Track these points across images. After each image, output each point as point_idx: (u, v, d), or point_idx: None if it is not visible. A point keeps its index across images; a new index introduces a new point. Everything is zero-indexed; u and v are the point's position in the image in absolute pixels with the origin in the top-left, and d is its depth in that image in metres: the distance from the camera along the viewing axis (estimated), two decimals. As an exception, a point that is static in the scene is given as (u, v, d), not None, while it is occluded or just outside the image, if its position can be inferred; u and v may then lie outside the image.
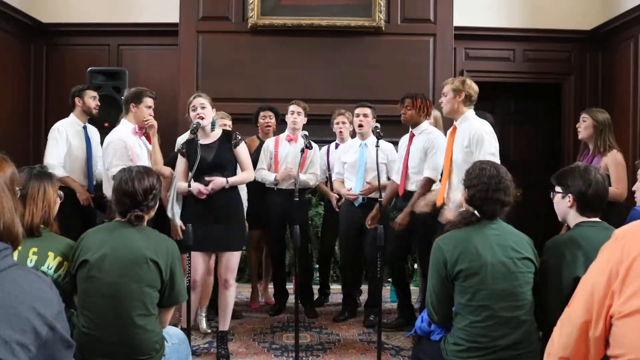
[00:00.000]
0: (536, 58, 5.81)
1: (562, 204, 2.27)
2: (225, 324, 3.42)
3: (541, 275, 2.18)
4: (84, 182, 4.01)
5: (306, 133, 3.64)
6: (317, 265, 4.87)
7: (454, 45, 5.42)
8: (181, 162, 3.39)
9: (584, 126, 3.63)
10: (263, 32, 5.32)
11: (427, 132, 3.84)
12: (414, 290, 4.58)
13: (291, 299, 4.27)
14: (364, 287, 4.68)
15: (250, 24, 5.25)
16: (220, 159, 3.31)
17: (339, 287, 4.63)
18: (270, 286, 4.74)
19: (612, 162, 3.47)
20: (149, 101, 3.63)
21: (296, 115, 4.24)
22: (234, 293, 3.43)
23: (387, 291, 4.78)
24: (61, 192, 2.34)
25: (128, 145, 3.49)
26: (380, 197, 3.42)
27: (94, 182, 4.08)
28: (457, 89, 3.31)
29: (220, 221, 3.28)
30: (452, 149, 3.35)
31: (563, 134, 5.88)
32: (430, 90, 5.31)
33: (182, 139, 4.02)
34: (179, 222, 3.37)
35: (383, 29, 5.29)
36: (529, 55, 5.82)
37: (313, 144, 4.19)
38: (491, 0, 5.80)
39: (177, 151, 3.83)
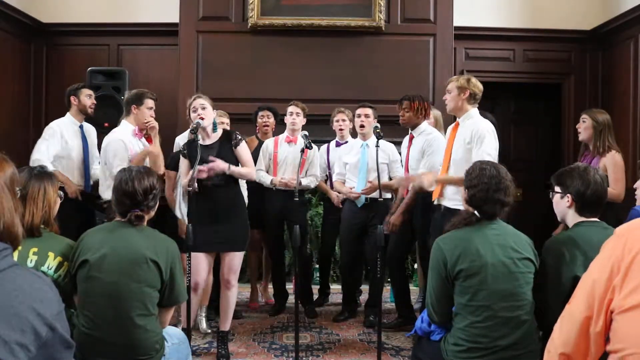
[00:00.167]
0: (536, 58, 5.81)
1: (561, 204, 2.28)
2: (226, 324, 3.42)
3: (540, 275, 2.18)
4: (80, 181, 4.00)
5: (306, 133, 3.64)
6: (317, 265, 4.87)
7: (454, 45, 5.42)
8: (183, 162, 3.39)
9: (584, 127, 3.63)
10: (263, 32, 5.32)
11: (426, 133, 3.85)
12: (414, 290, 4.59)
13: (291, 299, 4.28)
14: (364, 287, 4.68)
15: (250, 24, 5.25)
16: (221, 159, 3.30)
17: (339, 287, 4.63)
18: (270, 286, 4.75)
19: (611, 162, 3.48)
20: (150, 102, 3.63)
21: (295, 116, 4.24)
22: (235, 293, 3.43)
23: (387, 291, 4.78)
24: (61, 192, 2.34)
25: (127, 146, 3.48)
26: (381, 197, 3.41)
27: (91, 182, 4.08)
28: (462, 86, 3.30)
29: (224, 221, 3.27)
30: (452, 145, 3.34)
31: (563, 134, 5.88)
32: (430, 90, 5.32)
33: (180, 139, 4.03)
34: (186, 220, 3.38)
35: (383, 29, 5.29)
36: (529, 55, 5.82)
37: (312, 144, 4.19)
38: (491, 0, 5.80)
39: (177, 151, 3.83)
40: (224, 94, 4.90)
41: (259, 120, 4.51)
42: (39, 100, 5.73)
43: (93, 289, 2.16)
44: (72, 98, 4.05)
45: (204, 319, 3.88)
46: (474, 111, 3.34)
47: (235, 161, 3.37)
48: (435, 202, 3.40)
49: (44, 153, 3.84)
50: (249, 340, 3.73)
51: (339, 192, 4.28)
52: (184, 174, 3.38)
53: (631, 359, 1.20)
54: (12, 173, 1.24)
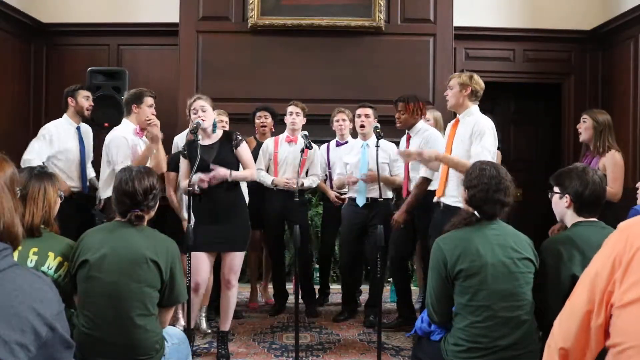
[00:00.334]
0: (536, 58, 5.81)
1: (560, 204, 2.29)
2: (226, 324, 3.42)
3: (539, 275, 2.19)
4: (77, 183, 3.99)
5: (306, 133, 3.65)
6: (317, 265, 4.87)
7: (454, 45, 5.42)
8: (183, 163, 3.39)
9: (584, 127, 3.64)
10: (263, 32, 5.32)
11: (422, 131, 3.87)
12: (414, 290, 4.59)
13: (291, 299, 4.27)
14: (364, 287, 4.68)
15: (250, 24, 5.25)
16: (221, 160, 3.31)
17: (339, 287, 4.63)
18: (270, 286, 4.75)
19: (610, 162, 3.48)
20: (149, 100, 3.64)
21: (295, 116, 4.24)
22: (236, 293, 3.43)
23: (387, 291, 4.78)
24: (61, 192, 2.34)
25: (129, 143, 3.49)
26: (381, 197, 3.42)
27: (88, 183, 4.08)
28: (463, 83, 3.31)
29: (224, 221, 3.27)
30: (452, 141, 3.35)
31: (563, 134, 5.88)
32: (430, 90, 5.32)
33: (179, 139, 4.03)
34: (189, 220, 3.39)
35: (383, 29, 5.28)
36: (529, 55, 5.82)
37: (314, 145, 4.19)
38: (491, 0, 5.80)
39: (177, 152, 3.84)
40: (224, 94, 4.90)
41: (257, 120, 4.51)
42: (39, 100, 5.73)
43: (93, 289, 2.16)
44: (69, 99, 4.04)
45: (204, 319, 3.88)
46: (474, 108, 3.34)
47: (236, 162, 3.38)
48: (435, 200, 3.41)
49: (35, 153, 3.81)
50: (249, 340, 3.73)
51: (340, 187, 4.27)
52: (184, 175, 3.38)
53: (631, 352, 1.21)
54: (12, 173, 1.24)
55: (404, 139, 4.00)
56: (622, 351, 1.22)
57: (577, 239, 2.15)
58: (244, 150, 3.39)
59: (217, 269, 3.55)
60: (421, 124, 3.91)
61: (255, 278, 4.70)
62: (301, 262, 4.16)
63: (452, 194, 3.25)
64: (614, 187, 3.41)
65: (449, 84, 3.41)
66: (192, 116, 3.34)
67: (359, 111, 4.15)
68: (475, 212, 2.26)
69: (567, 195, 2.25)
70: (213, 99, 3.46)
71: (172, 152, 3.99)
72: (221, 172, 3.22)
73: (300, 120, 4.27)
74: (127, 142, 3.50)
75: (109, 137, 3.56)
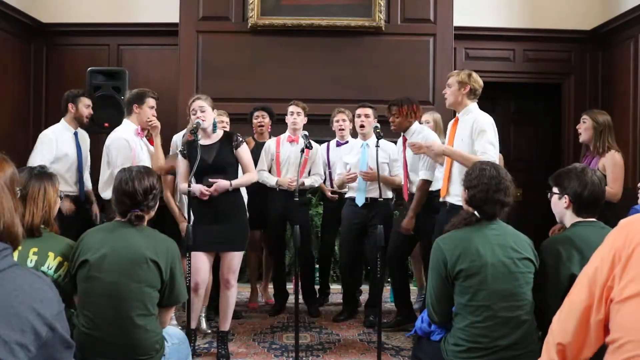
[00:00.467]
0: (536, 58, 5.81)
1: (559, 205, 2.29)
2: (225, 324, 3.42)
3: (539, 275, 2.19)
4: (74, 188, 3.98)
5: (306, 133, 3.65)
6: (317, 265, 4.87)
7: (454, 45, 5.42)
8: (182, 162, 3.39)
9: (584, 127, 3.64)
10: (263, 32, 5.32)
11: (417, 133, 3.86)
12: (413, 290, 4.58)
13: (291, 299, 4.27)
14: (364, 287, 4.68)
15: (250, 24, 5.25)
16: (221, 160, 3.31)
17: (339, 287, 4.63)
18: (270, 286, 4.75)
19: (610, 162, 3.48)
20: (151, 102, 3.63)
21: (296, 116, 4.24)
22: (235, 293, 3.43)
23: (387, 291, 4.78)
24: (62, 192, 2.34)
25: (130, 145, 3.48)
26: (381, 197, 3.42)
27: (84, 189, 4.08)
28: (462, 81, 3.31)
29: (224, 221, 3.27)
30: (453, 140, 3.35)
31: (563, 134, 5.88)
32: (430, 90, 5.32)
33: (178, 137, 4.04)
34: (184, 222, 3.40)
35: (383, 29, 5.29)
36: (529, 55, 5.82)
37: (314, 143, 4.20)
38: (491, 0, 5.80)
39: (173, 154, 3.84)
40: (224, 94, 4.90)
41: (254, 120, 4.50)
42: (39, 100, 5.73)
43: (93, 289, 2.16)
44: (70, 105, 4.00)
45: (204, 319, 3.88)
46: (473, 106, 3.35)
47: (235, 162, 3.38)
48: (441, 200, 3.41)
49: (39, 160, 3.75)
50: (249, 340, 3.73)
51: (340, 186, 4.27)
52: (182, 174, 3.37)
53: (629, 347, 1.21)
54: (12, 173, 1.24)
55: (399, 142, 4.01)
56: (621, 346, 1.23)
57: (576, 239, 2.15)
58: (244, 152, 3.39)
59: (216, 268, 3.56)
60: (416, 126, 3.91)
61: (255, 278, 4.70)
62: (302, 262, 4.17)
63: (457, 193, 3.25)
64: (613, 188, 3.41)
65: (447, 82, 3.41)
66: (192, 116, 3.34)
67: (358, 111, 4.16)
68: (475, 212, 2.27)
69: (566, 195, 2.25)
70: (213, 99, 3.46)
71: (171, 152, 3.99)
72: (221, 184, 3.24)
73: (302, 120, 4.27)
74: (128, 144, 3.47)
75: (110, 139, 3.55)
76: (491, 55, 5.79)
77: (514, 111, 6.28)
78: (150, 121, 3.58)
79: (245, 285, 4.90)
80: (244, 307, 4.53)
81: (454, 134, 3.36)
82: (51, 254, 2.16)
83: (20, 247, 1.76)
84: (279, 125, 4.57)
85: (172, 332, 2.43)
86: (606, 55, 5.66)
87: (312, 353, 3.51)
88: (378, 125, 3.64)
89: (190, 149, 3.30)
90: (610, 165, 3.47)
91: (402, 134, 3.95)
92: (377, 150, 3.41)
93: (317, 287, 4.71)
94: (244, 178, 3.40)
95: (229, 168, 3.35)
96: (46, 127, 4.17)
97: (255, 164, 3.58)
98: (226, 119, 4.09)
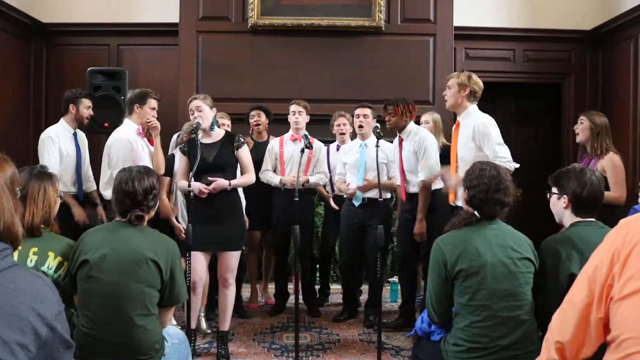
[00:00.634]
0: (536, 58, 5.81)
1: (558, 205, 2.30)
2: (225, 324, 3.42)
3: (539, 275, 2.19)
4: (73, 189, 3.98)
5: (306, 133, 3.65)
6: (317, 265, 4.88)
7: (454, 45, 5.42)
8: (182, 160, 3.39)
9: (581, 128, 3.63)
10: (263, 32, 5.32)
11: (413, 134, 3.87)
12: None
13: (291, 299, 4.28)
14: (364, 287, 4.68)
15: (250, 24, 5.25)
16: (221, 160, 3.32)
17: (339, 287, 4.63)
18: (270, 286, 4.75)
19: (610, 165, 3.46)
20: (153, 102, 3.62)
21: (297, 115, 4.24)
22: (233, 292, 3.44)
23: (387, 291, 4.78)
24: (61, 192, 2.34)
25: (132, 146, 3.48)
26: (381, 197, 3.42)
27: (83, 190, 4.08)
28: (462, 83, 3.31)
29: (220, 221, 3.28)
30: (457, 145, 3.35)
31: (563, 134, 5.88)
32: (430, 91, 5.32)
33: (177, 137, 4.04)
34: (182, 223, 3.39)
35: (383, 29, 5.29)
36: (529, 55, 5.82)
37: (318, 142, 4.21)
38: (491, 0, 5.80)
39: (171, 155, 3.84)
40: (224, 94, 4.90)
41: (250, 120, 4.50)
42: (39, 100, 5.73)
43: (93, 289, 2.16)
44: (71, 106, 3.99)
45: (203, 318, 3.89)
46: (473, 108, 3.35)
47: (235, 163, 3.39)
48: (453, 205, 3.40)
49: (46, 160, 3.78)
50: (249, 340, 3.73)
51: (340, 190, 4.29)
52: (181, 172, 3.37)
53: (630, 343, 1.22)
54: (12, 173, 1.24)
55: (396, 141, 4.00)
56: (621, 343, 1.24)
57: (575, 238, 2.15)
58: (244, 153, 3.40)
59: (213, 268, 3.56)
60: (412, 126, 3.91)
61: (255, 278, 4.70)
62: (304, 262, 4.19)
63: None
64: (617, 192, 3.39)
65: (447, 83, 3.41)
66: (191, 117, 3.36)
67: (357, 111, 4.16)
68: (476, 212, 2.27)
69: (565, 195, 2.25)
70: (213, 99, 3.47)
71: (170, 151, 3.99)
72: (220, 183, 3.25)
73: (304, 119, 4.27)
74: (130, 144, 3.46)
75: (112, 139, 3.54)
76: (491, 55, 5.79)
77: (514, 111, 6.27)
78: (150, 122, 3.58)
79: (246, 286, 4.89)
80: (245, 307, 4.53)
81: (456, 138, 3.36)
82: (51, 254, 2.16)
83: (20, 247, 1.76)
84: (279, 125, 4.57)
85: (172, 332, 2.43)
86: (606, 55, 5.66)
87: (312, 353, 3.51)
88: (378, 125, 3.64)
89: (190, 147, 3.30)
90: (611, 169, 3.45)
91: (397, 134, 3.95)
92: (377, 151, 3.41)
93: (317, 287, 4.72)
94: (243, 179, 3.41)
95: (229, 168, 3.35)
96: (46, 127, 4.17)
97: (255, 162, 3.59)
98: (228, 122, 4.09)
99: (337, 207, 4.40)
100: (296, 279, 3.34)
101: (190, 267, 3.12)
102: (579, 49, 5.81)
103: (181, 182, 3.38)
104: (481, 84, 3.36)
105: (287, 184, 4.12)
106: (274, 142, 4.32)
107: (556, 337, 1.39)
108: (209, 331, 3.85)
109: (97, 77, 4.91)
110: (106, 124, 4.47)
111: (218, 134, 3.41)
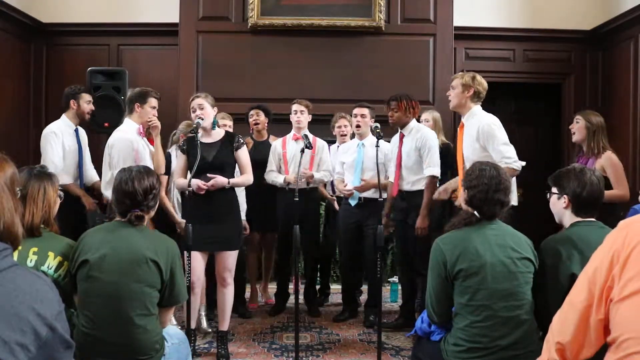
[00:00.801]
0: (536, 58, 5.81)
1: (558, 205, 2.30)
2: (224, 323, 3.42)
3: (539, 275, 2.19)
4: (75, 183, 3.99)
5: (307, 133, 3.66)
6: (318, 265, 4.87)
7: (454, 45, 5.42)
8: (181, 158, 3.39)
9: (577, 127, 3.62)
10: (263, 32, 5.32)
11: (415, 130, 3.87)
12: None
13: (291, 299, 4.28)
14: (364, 287, 4.68)
15: (250, 24, 5.25)
16: (220, 159, 3.32)
17: (339, 287, 4.63)
18: (270, 286, 4.75)
19: (609, 164, 3.45)
20: (153, 102, 3.62)
21: (299, 114, 4.24)
22: (232, 292, 3.43)
23: (387, 291, 4.78)
24: (61, 192, 2.34)
25: (133, 146, 3.48)
26: (381, 196, 3.42)
27: (84, 185, 4.09)
28: (466, 84, 3.30)
29: (218, 221, 3.28)
30: (462, 146, 3.35)
31: (563, 134, 5.87)
32: (430, 90, 5.32)
33: (172, 136, 4.05)
34: (182, 220, 3.40)
35: (383, 29, 5.29)
36: (529, 55, 5.82)
37: (320, 140, 4.20)
38: (491, 0, 5.80)
39: (176, 147, 3.84)
40: (224, 94, 4.90)
41: (250, 119, 4.49)
42: (39, 100, 5.73)
43: (93, 289, 2.16)
44: (72, 102, 4.01)
45: (204, 318, 3.89)
46: (477, 108, 3.34)
47: (234, 163, 3.40)
48: (457, 205, 3.41)
49: (49, 157, 3.81)
50: (249, 340, 3.73)
51: (338, 189, 4.30)
52: (179, 170, 3.37)
53: (630, 343, 1.22)
54: (12, 173, 1.24)
55: (396, 137, 3.98)
56: (621, 343, 1.24)
57: (575, 238, 2.15)
58: (243, 154, 3.41)
59: (210, 267, 3.56)
60: (414, 123, 3.91)
61: (255, 278, 4.70)
62: (307, 262, 4.19)
63: None
64: (620, 189, 3.38)
65: (451, 84, 3.40)
66: (192, 115, 3.35)
67: (355, 111, 4.16)
68: (475, 213, 2.27)
69: (565, 195, 2.25)
70: (213, 99, 3.47)
71: (169, 150, 4.00)
72: (219, 180, 3.24)
73: (306, 118, 4.26)
74: (131, 144, 3.46)
75: (114, 138, 3.53)
76: (491, 55, 5.79)
77: (514, 111, 6.27)
78: (150, 121, 3.58)
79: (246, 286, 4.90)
80: (245, 307, 4.53)
81: (461, 139, 3.36)
82: (51, 254, 2.16)
83: (20, 247, 1.76)
84: (279, 125, 4.57)
85: (172, 332, 2.43)
86: (606, 55, 5.67)
87: (312, 353, 3.51)
88: (378, 125, 3.63)
89: (190, 146, 3.30)
90: (610, 167, 3.44)
91: (399, 130, 3.94)
92: (377, 151, 3.41)
93: (317, 287, 4.72)
94: (241, 179, 3.42)
95: (227, 168, 3.36)
96: (46, 126, 4.17)
97: (255, 162, 3.59)
98: (230, 122, 4.09)
99: (338, 208, 4.41)
100: (296, 279, 3.33)
101: (190, 267, 3.12)
102: (579, 49, 5.82)
103: (179, 180, 3.38)
104: (485, 85, 3.35)
105: (292, 182, 4.12)
106: (276, 143, 4.32)
107: (557, 338, 1.39)
108: (210, 330, 3.85)
109: (97, 77, 4.91)
110: (106, 124, 4.48)
111: (218, 133, 3.41)
